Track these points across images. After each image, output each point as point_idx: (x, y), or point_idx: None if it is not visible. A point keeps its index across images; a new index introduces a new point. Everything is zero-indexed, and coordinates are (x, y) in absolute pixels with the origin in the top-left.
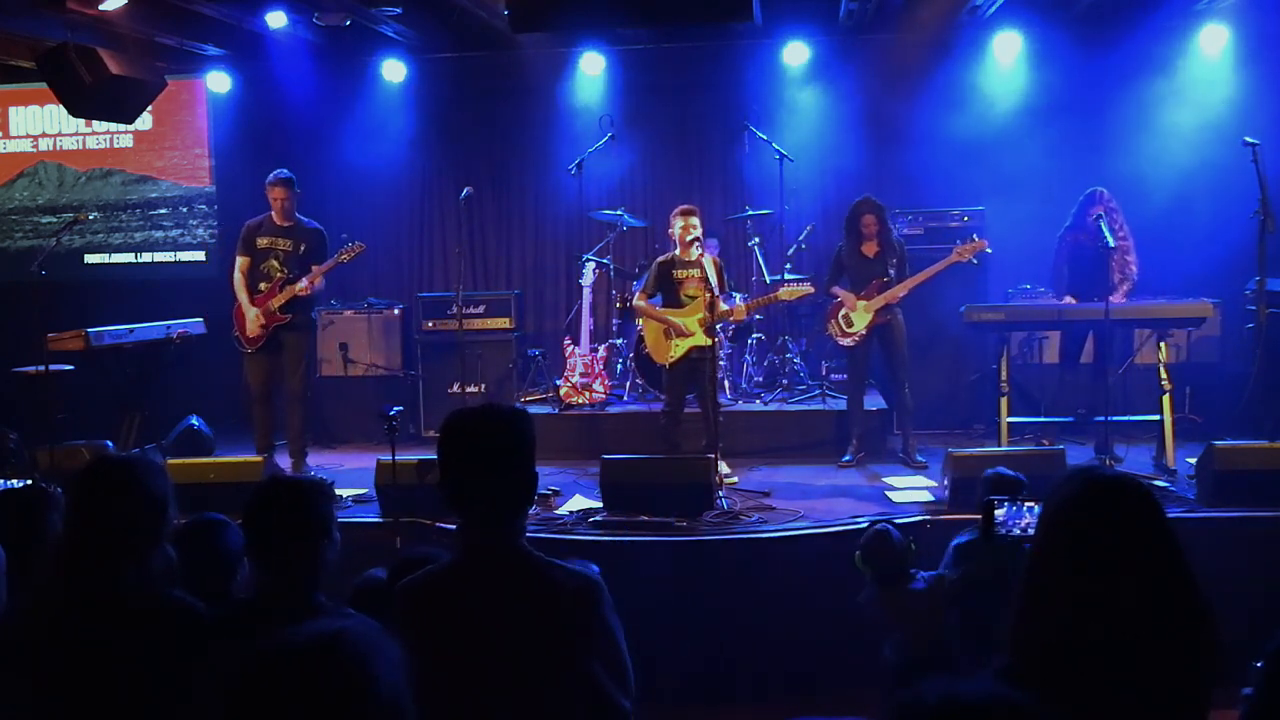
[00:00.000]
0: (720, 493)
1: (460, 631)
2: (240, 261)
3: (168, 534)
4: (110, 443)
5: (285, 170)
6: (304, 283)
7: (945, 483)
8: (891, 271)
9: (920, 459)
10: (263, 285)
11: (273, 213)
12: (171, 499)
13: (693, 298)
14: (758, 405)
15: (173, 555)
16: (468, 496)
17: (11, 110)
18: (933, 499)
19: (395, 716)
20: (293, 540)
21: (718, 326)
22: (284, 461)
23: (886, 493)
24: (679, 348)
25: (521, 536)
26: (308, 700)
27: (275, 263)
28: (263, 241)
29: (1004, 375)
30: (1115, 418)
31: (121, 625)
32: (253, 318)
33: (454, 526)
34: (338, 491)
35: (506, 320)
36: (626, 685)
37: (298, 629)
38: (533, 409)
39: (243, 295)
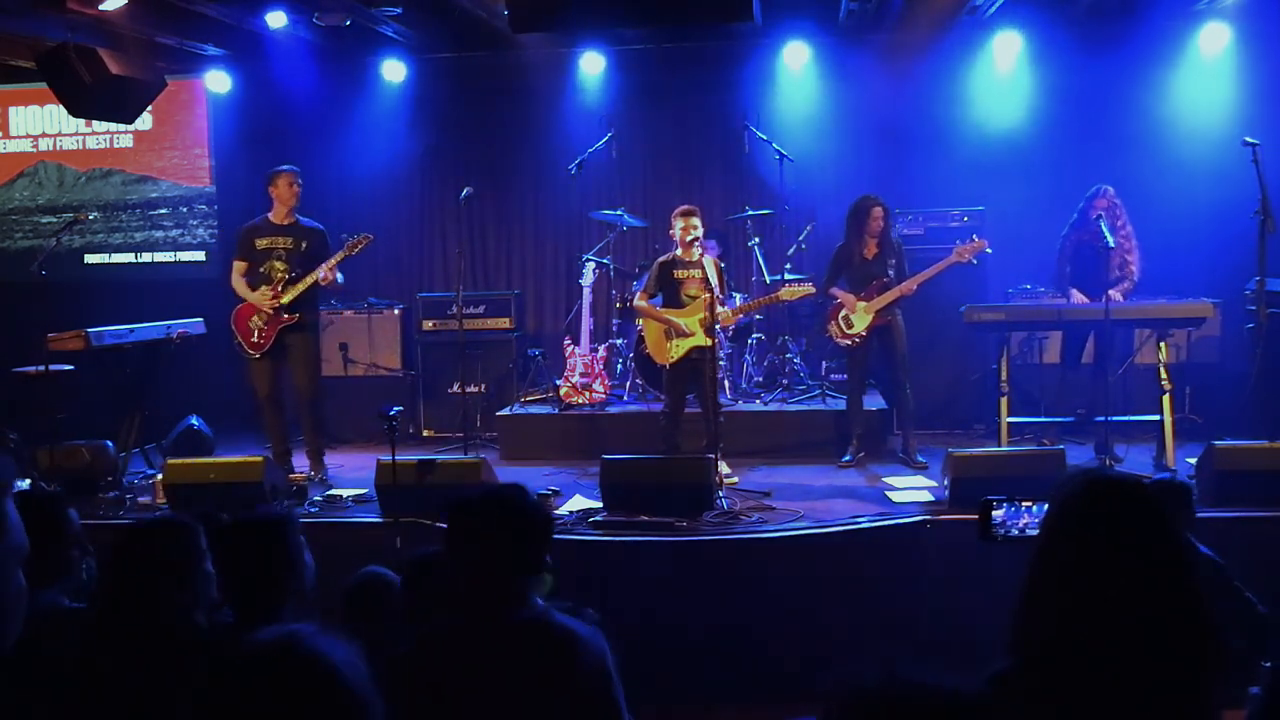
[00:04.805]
0: (720, 493)
1: (476, 700)
2: (239, 265)
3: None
4: (110, 443)
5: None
6: (322, 271)
7: (945, 483)
8: (891, 272)
9: (920, 459)
10: (264, 288)
11: (271, 212)
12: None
13: (693, 298)
14: (758, 405)
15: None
16: (469, 570)
17: (11, 110)
18: (933, 499)
19: (361, 709)
20: (260, 581)
21: (717, 327)
22: (299, 462)
23: (886, 493)
24: (679, 348)
25: (529, 601)
26: (271, 703)
27: (278, 263)
28: (262, 242)
29: (1004, 375)
30: (1115, 418)
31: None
32: (259, 298)
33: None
34: (338, 491)
35: (506, 320)
36: None
37: (252, 638)
38: (533, 409)
39: (247, 292)
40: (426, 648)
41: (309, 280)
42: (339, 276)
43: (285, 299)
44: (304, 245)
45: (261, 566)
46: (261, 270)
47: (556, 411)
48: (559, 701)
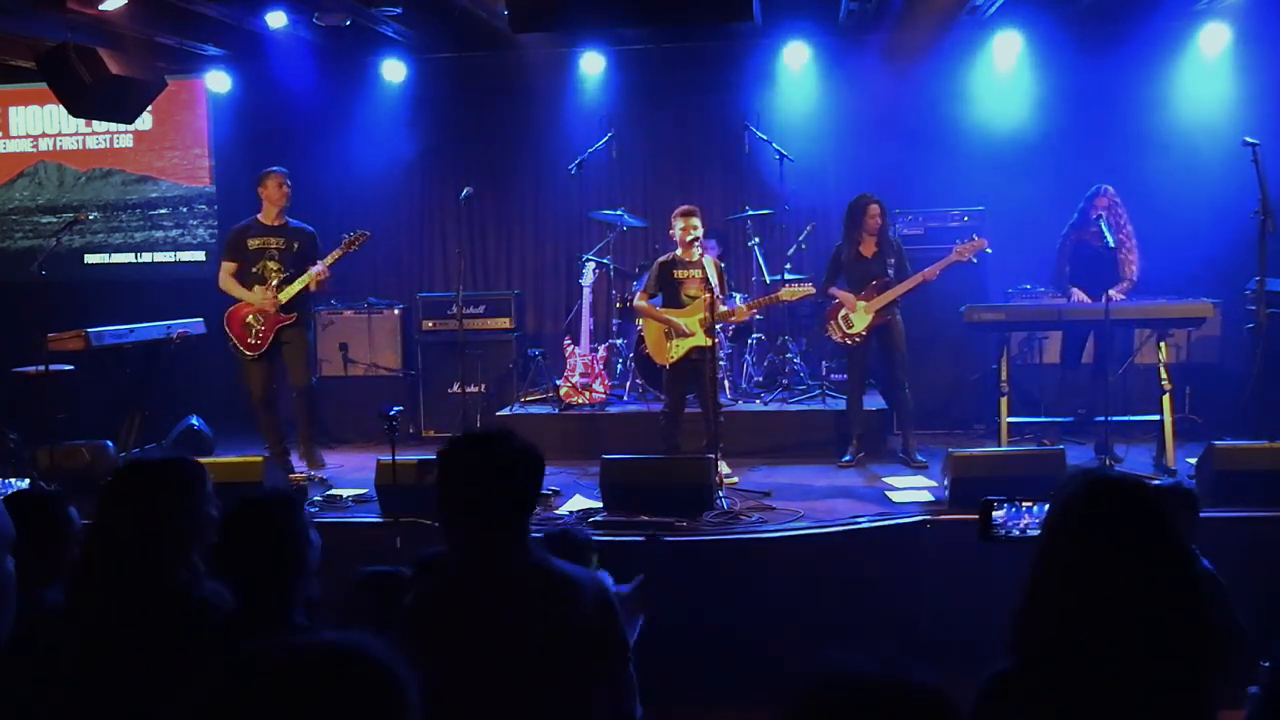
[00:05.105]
0: (720, 493)
1: (480, 646)
2: (228, 266)
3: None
4: (110, 443)
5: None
6: (318, 267)
7: (945, 483)
8: (890, 271)
9: (920, 459)
10: (258, 288)
11: (261, 214)
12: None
13: (693, 298)
14: (758, 405)
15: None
16: (465, 509)
17: (11, 110)
18: (933, 499)
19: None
20: (266, 565)
21: (718, 327)
22: (298, 462)
23: (886, 493)
24: (679, 348)
25: (526, 540)
26: (336, 706)
27: (272, 263)
28: (254, 243)
29: (1004, 375)
30: (1115, 418)
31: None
32: (260, 298)
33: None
34: (338, 491)
35: (506, 320)
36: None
37: (307, 637)
38: (533, 409)
39: (241, 292)
40: (428, 603)
41: (305, 279)
42: (328, 276)
43: (282, 298)
44: (296, 245)
45: (266, 539)
46: (254, 271)
47: (556, 411)
48: (564, 647)
